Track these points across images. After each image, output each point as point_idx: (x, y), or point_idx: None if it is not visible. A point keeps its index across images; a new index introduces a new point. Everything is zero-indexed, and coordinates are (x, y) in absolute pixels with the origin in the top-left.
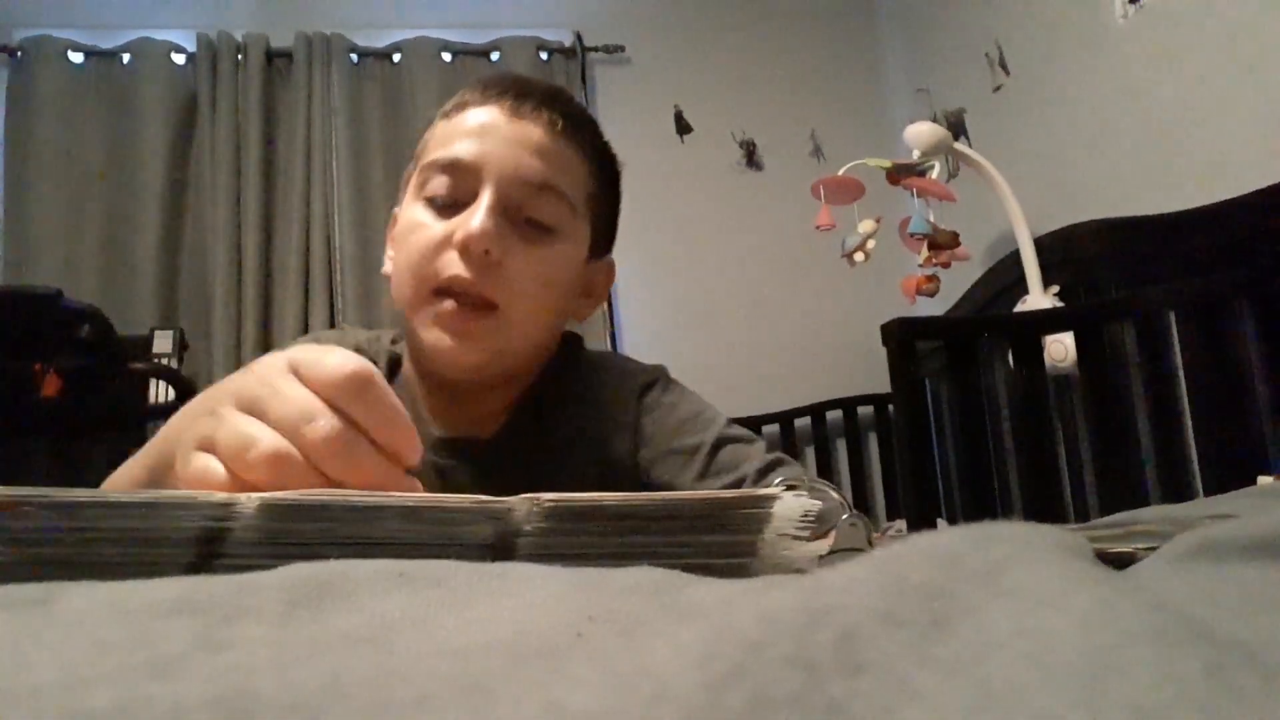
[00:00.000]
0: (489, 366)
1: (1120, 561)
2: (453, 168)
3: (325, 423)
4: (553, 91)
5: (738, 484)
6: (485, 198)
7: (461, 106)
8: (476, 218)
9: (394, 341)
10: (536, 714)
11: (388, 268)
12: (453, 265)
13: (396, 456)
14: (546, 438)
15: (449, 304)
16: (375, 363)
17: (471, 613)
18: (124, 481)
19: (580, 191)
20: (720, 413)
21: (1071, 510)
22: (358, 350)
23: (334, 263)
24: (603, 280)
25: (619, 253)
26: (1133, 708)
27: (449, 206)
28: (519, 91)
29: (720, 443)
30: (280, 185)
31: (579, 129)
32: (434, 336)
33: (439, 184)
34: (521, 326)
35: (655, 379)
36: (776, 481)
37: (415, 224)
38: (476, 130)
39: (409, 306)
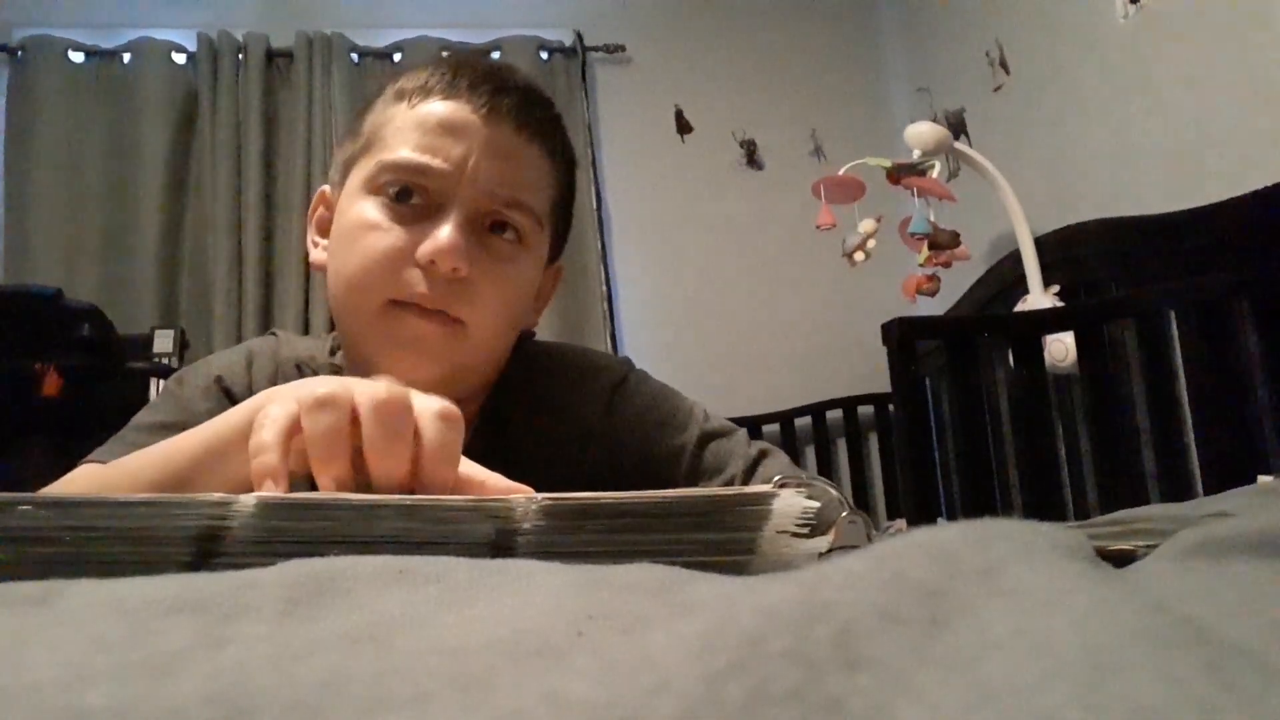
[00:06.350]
0: (446, 384)
1: (1120, 559)
2: (418, 171)
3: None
4: (527, 89)
5: (727, 485)
6: (456, 210)
7: (425, 93)
8: (446, 231)
9: (333, 352)
10: (535, 703)
11: (319, 257)
12: (416, 282)
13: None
14: (512, 452)
15: (408, 316)
16: None
17: (471, 611)
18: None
19: (546, 202)
20: (695, 403)
21: (1071, 510)
22: (297, 368)
23: None
24: (550, 285)
25: (620, 252)
26: (1132, 706)
27: (408, 205)
28: (495, 87)
29: (703, 440)
30: (281, 185)
31: (551, 133)
32: (388, 350)
33: (399, 183)
34: (485, 344)
35: (623, 376)
36: (775, 479)
37: (367, 224)
38: (446, 129)
39: (354, 315)
